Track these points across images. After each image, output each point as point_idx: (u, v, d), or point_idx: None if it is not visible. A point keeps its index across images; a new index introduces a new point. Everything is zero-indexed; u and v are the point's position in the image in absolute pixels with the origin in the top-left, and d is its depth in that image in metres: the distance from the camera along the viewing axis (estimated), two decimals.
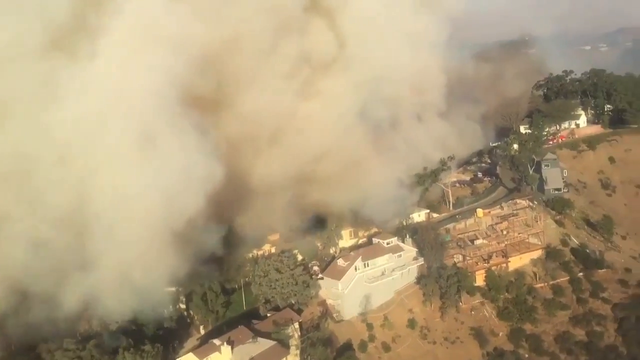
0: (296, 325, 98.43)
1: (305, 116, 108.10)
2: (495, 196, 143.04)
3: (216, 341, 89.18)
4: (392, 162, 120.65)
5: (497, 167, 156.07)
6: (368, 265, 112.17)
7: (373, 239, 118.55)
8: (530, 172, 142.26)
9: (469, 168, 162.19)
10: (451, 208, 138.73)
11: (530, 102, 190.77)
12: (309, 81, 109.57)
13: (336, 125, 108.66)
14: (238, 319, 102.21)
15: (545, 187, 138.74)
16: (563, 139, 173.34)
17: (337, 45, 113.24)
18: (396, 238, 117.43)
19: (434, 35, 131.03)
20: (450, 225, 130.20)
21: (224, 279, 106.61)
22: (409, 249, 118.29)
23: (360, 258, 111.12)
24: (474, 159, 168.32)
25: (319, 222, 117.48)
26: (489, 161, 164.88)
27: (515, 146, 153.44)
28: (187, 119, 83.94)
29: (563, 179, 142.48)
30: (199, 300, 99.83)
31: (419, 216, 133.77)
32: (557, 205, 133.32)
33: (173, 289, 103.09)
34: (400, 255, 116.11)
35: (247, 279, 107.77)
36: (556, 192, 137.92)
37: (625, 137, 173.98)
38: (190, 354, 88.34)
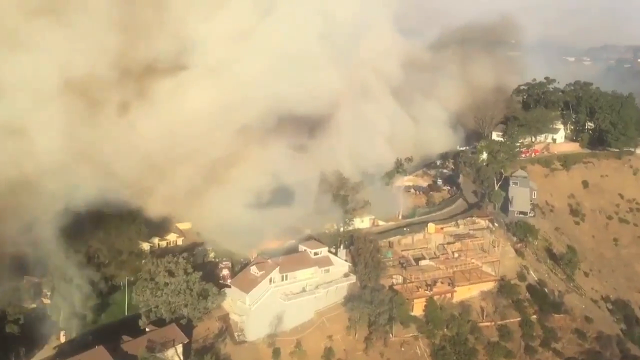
0: (179, 348, 76.89)
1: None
2: (452, 210, 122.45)
3: None
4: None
5: (460, 176, 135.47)
6: (287, 278, 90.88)
7: (300, 245, 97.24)
8: (496, 187, 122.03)
9: (428, 172, 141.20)
10: (400, 217, 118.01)
11: (508, 107, 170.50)
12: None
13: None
14: (116, 326, 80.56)
15: (510, 208, 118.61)
16: (537, 153, 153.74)
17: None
18: (327, 248, 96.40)
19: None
20: (394, 239, 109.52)
21: (105, 272, 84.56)
22: (341, 263, 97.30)
23: (277, 269, 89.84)
24: (437, 162, 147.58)
25: None
26: (452, 167, 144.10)
27: (484, 155, 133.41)
28: None
29: (531, 200, 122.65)
30: (60, 299, 77.35)
31: (362, 222, 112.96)
32: (520, 231, 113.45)
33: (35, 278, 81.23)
34: (328, 270, 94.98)
35: (134, 277, 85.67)
36: (521, 215, 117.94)
37: (603, 160, 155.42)
38: None
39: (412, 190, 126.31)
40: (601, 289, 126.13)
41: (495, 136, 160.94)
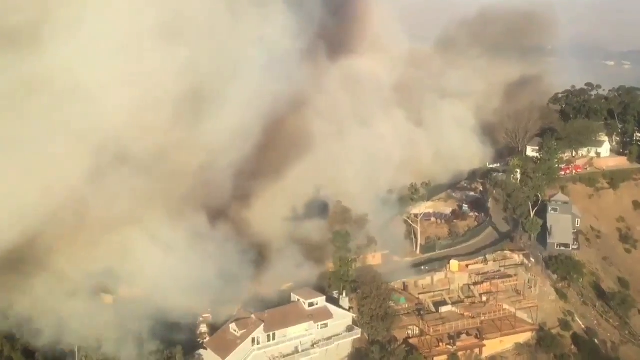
0: None
1: None
2: (479, 241, 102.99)
3: None
4: None
5: (489, 200, 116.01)
6: (274, 338, 73.65)
7: (292, 294, 79.94)
8: (532, 215, 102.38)
9: (453, 194, 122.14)
10: (418, 251, 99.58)
11: (544, 118, 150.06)
12: None
13: None
14: None
15: (549, 240, 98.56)
16: (579, 170, 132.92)
17: None
18: (324, 298, 78.83)
19: None
20: (410, 280, 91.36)
21: None
22: (343, 314, 79.58)
23: (262, 327, 72.78)
24: (463, 183, 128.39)
25: None
26: (480, 189, 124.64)
27: (517, 175, 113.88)
28: None
29: (574, 230, 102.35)
30: None
31: (373, 258, 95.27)
32: (562, 268, 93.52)
33: None
34: (326, 325, 77.57)
35: None
36: (562, 247, 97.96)
37: None
38: None
39: (433, 219, 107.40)
40: None
41: (531, 151, 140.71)
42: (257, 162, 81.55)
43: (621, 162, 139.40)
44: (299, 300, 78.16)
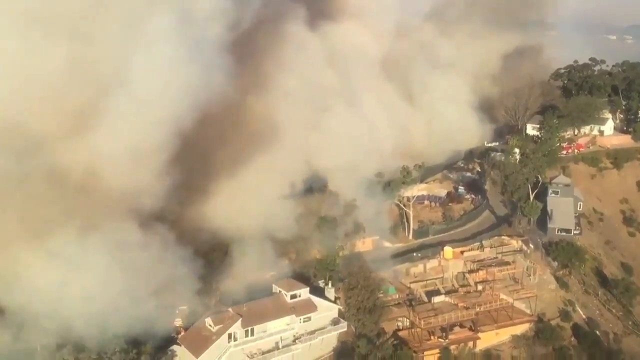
0: None
1: None
2: (475, 226, 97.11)
3: None
4: None
5: (487, 181, 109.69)
6: (253, 333, 68.13)
7: (274, 286, 74.21)
8: (531, 198, 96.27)
9: (450, 175, 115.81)
10: (411, 237, 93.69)
11: (545, 94, 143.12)
12: None
13: None
14: None
15: (549, 225, 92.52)
16: (581, 148, 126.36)
17: None
18: (308, 289, 73.07)
19: None
20: (401, 267, 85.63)
21: None
22: (328, 306, 73.86)
23: (239, 321, 67.20)
24: (460, 163, 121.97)
25: None
26: (478, 169, 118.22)
27: (516, 154, 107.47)
28: None
29: (576, 214, 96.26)
30: None
31: (363, 244, 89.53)
32: (563, 255, 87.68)
33: None
34: (309, 318, 72.02)
35: None
36: (563, 233, 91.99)
37: None
38: None
39: (427, 202, 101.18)
40: None
41: (531, 129, 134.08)
42: (216, 156, 73.41)
43: (625, 140, 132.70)
44: (280, 291, 72.54)
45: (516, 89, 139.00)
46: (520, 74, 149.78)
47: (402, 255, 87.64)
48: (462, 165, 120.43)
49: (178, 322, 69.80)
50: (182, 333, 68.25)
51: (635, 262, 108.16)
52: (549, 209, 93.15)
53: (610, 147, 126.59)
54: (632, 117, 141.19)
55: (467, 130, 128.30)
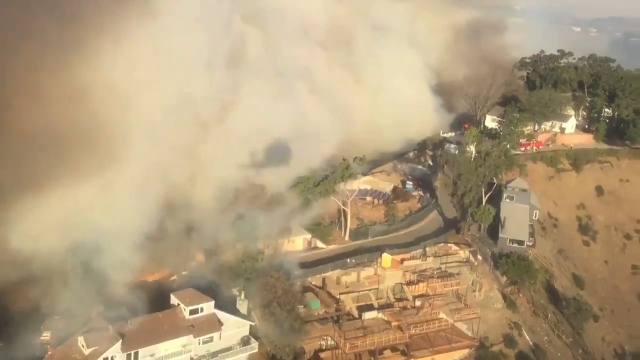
0: None
1: None
2: (421, 228, 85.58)
3: None
4: None
5: (438, 176, 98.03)
6: (136, 358, 55.21)
7: (172, 296, 61.00)
8: (484, 201, 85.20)
9: (399, 167, 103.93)
10: (347, 237, 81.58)
11: (508, 84, 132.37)
12: None
13: None
14: None
15: (501, 234, 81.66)
16: (540, 146, 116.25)
17: None
18: (213, 303, 60.16)
19: None
20: (331, 274, 73.53)
21: None
22: (237, 322, 61.31)
23: (119, 343, 53.90)
24: (411, 153, 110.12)
25: None
26: (430, 163, 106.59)
27: (473, 150, 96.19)
28: None
29: (531, 223, 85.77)
30: None
31: (292, 244, 77.00)
32: (513, 271, 77.12)
33: None
34: (211, 339, 59.36)
35: None
36: (515, 244, 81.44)
37: (624, 160, 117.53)
38: None
39: (369, 198, 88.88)
40: (614, 338, 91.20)
41: (490, 121, 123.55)
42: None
43: (587, 140, 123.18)
44: (178, 305, 59.50)
45: (477, 76, 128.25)
46: (481, 55, 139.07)
47: (335, 260, 75.53)
48: (413, 156, 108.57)
49: (45, 337, 56.15)
50: (50, 352, 54.70)
51: (587, 275, 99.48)
52: (502, 215, 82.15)
53: (573, 147, 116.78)
54: (595, 115, 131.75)
55: (422, 114, 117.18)
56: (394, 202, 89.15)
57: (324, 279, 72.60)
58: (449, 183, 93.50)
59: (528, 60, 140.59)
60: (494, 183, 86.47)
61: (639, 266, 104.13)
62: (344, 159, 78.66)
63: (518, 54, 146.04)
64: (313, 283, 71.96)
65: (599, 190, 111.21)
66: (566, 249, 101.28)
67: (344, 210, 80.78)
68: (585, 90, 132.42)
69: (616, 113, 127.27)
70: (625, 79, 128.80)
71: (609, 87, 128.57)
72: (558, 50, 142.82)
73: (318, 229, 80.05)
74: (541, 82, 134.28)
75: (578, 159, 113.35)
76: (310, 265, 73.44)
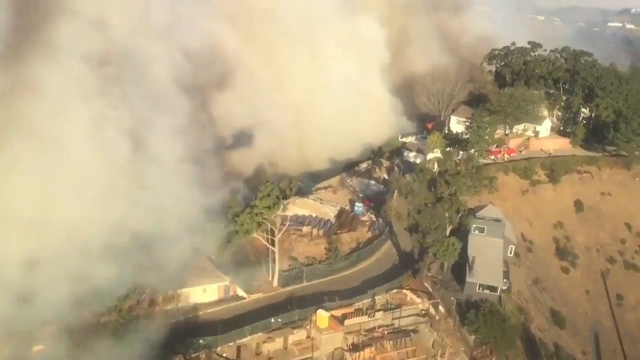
0: None
1: None
2: (370, 267, 67.20)
3: None
4: None
5: (394, 194, 79.24)
6: None
7: None
8: (447, 232, 67.27)
9: (348, 181, 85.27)
10: (276, 283, 62.75)
11: (475, 80, 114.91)
12: None
13: None
14: None
15: (468, 278, 63.29)
16: (512, 154, 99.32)
17: None
18: None
19: None
20: (250, 339, 54.70)
21: None
22: None
23: None
24: (364, 165, 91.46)
25: None
26: (385, 176, 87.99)
27: (435, 159, 78.21)
28: None
29: (505, 259, 68.19)
30: None
31: (204, 292, 58.01)
32: (484, 328, 59.62)
33: None
34: None
35: None
36: (487, 290, 63.87)
37: (606, 170, 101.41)
38: None
39: (306, 228, 69.63)
40: None
41: (456, 122, 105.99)
42: None
43: (563, 145, 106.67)
44: None
45: (441, 71, 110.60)
46: (444, 46, 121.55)
47: (258, 316, 56.75)
48: (366, 168, 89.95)
49: None
50: None
51: (567, 309, 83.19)
52: (469, 253, 64.21)
53: (552, 153, 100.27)
54: (571, 116, 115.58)
55: (375, 114, 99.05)
56: (338, 232, 70.29)
57: (239, 348, 53.79)
58: (401, 215, 74.79)
59: (498, 52, 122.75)
60: (459, 211, 68.25)
61: (624, 296, 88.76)
62: (267, 182, 59.42)
63: (485, 46, 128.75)
64: (224, 355, 53.15)
65: (578, 206, 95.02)
66: (542, 278, 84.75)
67: (271, 250, 61.70)
68: (561, 88, 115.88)
69: (594, 114, 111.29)
70: (606, 75, 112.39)
71: (588, 85, 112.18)
72: (529, 42, 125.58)
73: (240, 271, 61.37)
74: (512, 78, 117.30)
75: (555, 169, 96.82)
76: (224, 325, 54.58)
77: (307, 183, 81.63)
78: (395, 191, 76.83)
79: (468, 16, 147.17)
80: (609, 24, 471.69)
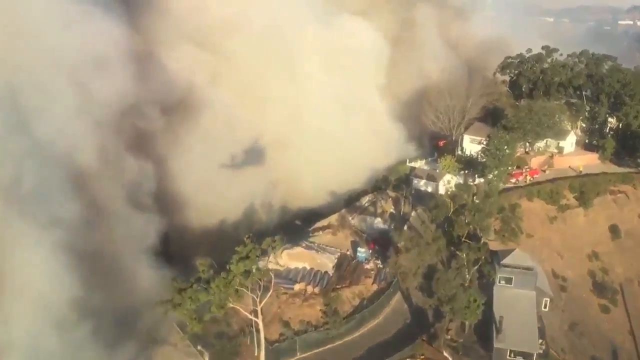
0: None
1: None
2: (376, 328, 55.67)
3: None
4: None
5: (401, 239, 67.43)
6: None
7: None
8: (466, 281, 55.51)
9: (350, 219, 73.94)
10: (263, 358, 51.59)
11: (489, 93, 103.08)
12: None
13: None
14: None
15: (496, 342, 51.25)
16: (536, 175, 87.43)
17: None
18: None
19: None
20: None
21: None
22: None
23: None
24: (367, 199, 79.94)
25: None
26: (392, 210, 76.42)
27: (447, 187, 66.75)
28: None
29: (540, 315, 56.17)
30: None
31: None
32: None
33: None
34: None
35: None
36: (520, 358, 51.99)
37: None
38: None
39: (298, 285, 58.23)
40: None
41: (469, 142, 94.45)
42: None
43: (591, 160, 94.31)
44: None
45: (450, 85, 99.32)
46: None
47: None
48: (370, 201, 78.42)
49: None
50: None
51: (610, 355, 71.06)
52: (495, 310, 52.52)
53: (581, 170, 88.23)
54: (597, 127, 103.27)
55: (377, 138, 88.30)
56: (338, 287, 58.82)
57: None
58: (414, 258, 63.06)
59: (512, 61, 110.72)
60: (481, 256, 56.50)
61: None
62: (247, 237, 48.36)
63: (496, 54, 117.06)
64: None
65: (615, 232, 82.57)
66: (579, 320, 72.52)
67: (254, 322, 50.42)
68: (584, 97, 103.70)
69: (622, 123, 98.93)
70: (634, 81, 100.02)
71: (614, 92, 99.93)
72: (542, 47, 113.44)
73: (219, 344, 50.37)
74: (529, 88, 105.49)
75: (585, 190, 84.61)
76: None
77: (302, 224, 70.62)
78: (403, 234, 65.19)
79: (474, 22, 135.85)
80: (620, 22, 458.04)
